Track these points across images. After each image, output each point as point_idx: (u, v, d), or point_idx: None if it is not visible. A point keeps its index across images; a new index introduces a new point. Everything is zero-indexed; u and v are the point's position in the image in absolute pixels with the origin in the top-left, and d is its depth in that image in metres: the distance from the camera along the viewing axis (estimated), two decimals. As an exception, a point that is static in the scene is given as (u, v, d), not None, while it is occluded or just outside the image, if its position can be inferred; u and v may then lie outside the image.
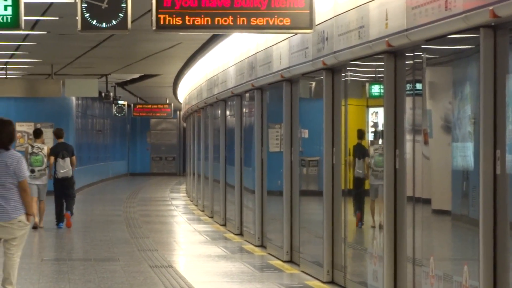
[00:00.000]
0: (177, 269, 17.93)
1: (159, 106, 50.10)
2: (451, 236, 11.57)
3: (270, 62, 20.10)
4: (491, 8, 9.30)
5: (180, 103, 44.80)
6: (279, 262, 18.38)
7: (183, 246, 23.45)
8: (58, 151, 24.78)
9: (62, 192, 24.47)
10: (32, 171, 22.81)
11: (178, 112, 51.81)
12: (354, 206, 15.10)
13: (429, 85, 11.90)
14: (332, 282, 15.26)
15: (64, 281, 16.30)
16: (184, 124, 48.50)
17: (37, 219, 23.55)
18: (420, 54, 12.07)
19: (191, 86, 37.21)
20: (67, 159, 24.30)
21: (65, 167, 24.09)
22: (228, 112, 27.13)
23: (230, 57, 25.12)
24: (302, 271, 16.86)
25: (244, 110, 24.49)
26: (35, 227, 23.32)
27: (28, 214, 12.57)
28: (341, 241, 15.80)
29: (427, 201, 12.03)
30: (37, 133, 25.42)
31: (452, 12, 10.42)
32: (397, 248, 13.17)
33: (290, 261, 17.93)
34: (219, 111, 28.60)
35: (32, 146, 24.45)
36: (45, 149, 24.19)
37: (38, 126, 31.06)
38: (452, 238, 11.50)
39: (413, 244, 12.54)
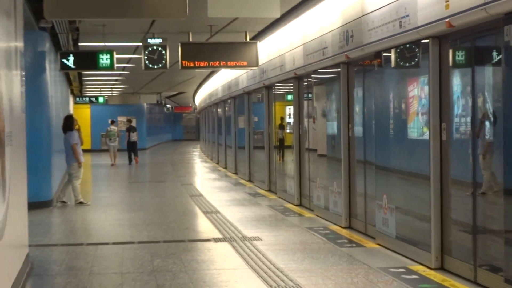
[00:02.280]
0: (195, 186, 26.62)
1: (186, 107, 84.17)
2: (326, 167, 17.05)
3: (238, 84, 28.18)
4: (346, 53, 14.03)
5: (196, 105, 63.95)
6: (262, 191, 24.12)
7: (198, 175, 34.39)
8: (129, 129, 39.15)
9: (131, 148, 38.65)
10: (110, 139, 37.74)
11: (195, 110, 74.33)
12: (278, 153, 22.46)
13: (315, 95, 17.69)
14: (300, 204, 19.47)
15: (140, 192, 24.88)
16: (198, 115, 70.87)
17: (113, 161, 38.76)
18: (310, 79, 17.75)
19: (201, 97, 51.64)
20: (134, 133, 38.02)
21: (133, 137, 37.76)
22: (220, 109, 38.71)
23: (219, 82, 35.48)
24: (279, 197, 21.65)
25: (225, 108, 35.29)
26: (112, 165, 38.42)
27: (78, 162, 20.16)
28: (275, 171, 22.71)
29: (315, 150, 17.97)
30: (112, 122, 40.76)
31: (325, 56, 15.58)
32: (301, 172, 19.35)
33: (269, 190, 23.79)
34: (214, 110, 41.94)
35: (110, 129, 39.77)
36: (116, 129, 38.80)
37: (130, 118, 45.67)
38: (327, 168, 16.96)
39: (309, 171, 18.39)
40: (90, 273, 11.15)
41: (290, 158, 21.01)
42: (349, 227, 15.21)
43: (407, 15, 11.22)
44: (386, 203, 12.61)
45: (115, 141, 39.38)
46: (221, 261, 12.09)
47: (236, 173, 31.65)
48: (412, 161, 12.07)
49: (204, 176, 31.69)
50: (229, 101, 33.15)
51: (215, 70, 30.83)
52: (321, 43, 16.08)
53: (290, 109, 21.46)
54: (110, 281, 10.62)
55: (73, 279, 10.74)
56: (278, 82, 21.51)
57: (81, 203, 20.03)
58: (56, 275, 11.12)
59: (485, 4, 8.86)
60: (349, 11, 14.09)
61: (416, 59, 11.70)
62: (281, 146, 22.81)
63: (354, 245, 13.23)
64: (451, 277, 10.30)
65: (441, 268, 10.81)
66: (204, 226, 16.08)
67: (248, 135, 28.06)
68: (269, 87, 23.33)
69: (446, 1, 9.88)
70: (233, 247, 13.16)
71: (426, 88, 11.17)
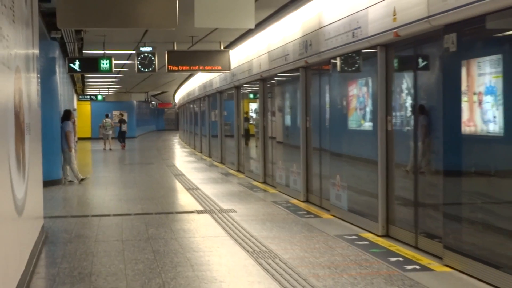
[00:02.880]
0: (177, 167, 25.62)
1: (168, 104, 79.61)
2: (283, 151, 16.87)
3: (212, 85, 27.53)
4: (305, 59, 13.70)
5: (176, 102, 62.76)
6: (233, 171, 23.67)
7: (179, 158, 32.99)
8: (121, 121, 39.21)
9: (121, 137, 38.42)
10: (105, 129, 37.11)
11: (175, 106, 72.35)
12: (244, 141, 22.06)
13: (276, 94, 17.42)
14: (265, 182, 19.16)
15: (132, 172, 24.21)
16: (177, 110, 69.90)
17: (108, 147, 38.26)
18: (273, 81, 17.46)
19: (180, 96, 50.28)
20: (124, 125, 37.95)
21: (123, 128, 37.54)
22: (196, 105, 37.89)
23: (196, 83, 34.47)
24: (247, 176, 21.30)
25: (201, 105, 34.52)
26: (110, 149, 37.81)
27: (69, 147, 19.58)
28: (243, 155, 22.36)
29: (275, 138, 17.85)
30: (107, 115, 39.48)
31: (287, 61, 15.13)
32: (265, 156, 19.03)
33: (238, 171, 23.12)
34: (192, 106, 40.93)
35: (105, 121, 39.15)
36: (110, 121, 37.97)
37: (121, 112, 45.20)
38: (284, 153, 16.76)
39: (272, 155, 18.18)
40: (96, 241, 10.67)
41: (253, 144, 20.97)
42: (307, 201, 14.89)
43: (359, 27, 10.85)
44: (339, 181, 12.32)
45: (109, 131, 39.05)
46: (204, 230, 11.58)
47: (210, 157, 31.11)
48: (354, 148, 11.99)
49: (184, 159, 31.00)
50: (204, 98, 32.55)
51: (193, 73, 30.10)
52: (283, 51, 15.66)
53: (253, 106, 21.66)
54: (113, 247, 10.15)
55: (81, 246, 10.27)
56: (246, 83, 21.16)
57: (82, 179, 19.79)
58: (67, 242, 10.63)
59: (428, 17, 8.53)
60: (308, 24, 13.74)
61: (357, 65, 11.52)
62: (247, 135, 22.48)
63: (312, 216, 12.79)
64: (396, 243, 10.01)
65: (387, 235, 10.53)
66: (188, 201, 15.51)
67: (220, 126, 27.61)
68: (238, 87, 22.92)
69: (394, 15, 9.51)
70: (213, 218, 12.73)
71: (364, 88, 11.11)
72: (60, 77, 21.20)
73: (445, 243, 8.58)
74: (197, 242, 10.41)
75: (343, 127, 12.27)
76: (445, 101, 8.61)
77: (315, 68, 14.19)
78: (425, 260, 8.84)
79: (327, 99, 13.24)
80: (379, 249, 9.62)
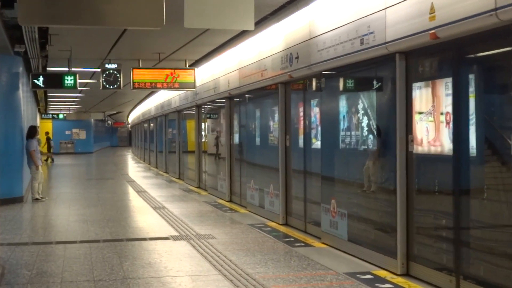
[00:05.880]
0: (137, 183, 22.16)
1: (121, 123, 71.81)
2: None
3: (170, 104, 24.38)
4: (289, 73, 10.67)
5: (129, 121, 59.24)
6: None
7: (137, 173, 28.52)
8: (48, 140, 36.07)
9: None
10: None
11: (128, 125, 67.63)
12: (212, 158, 18.54)
13: (246, 111, 14.35)
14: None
15: (94, 188, 19.18)
16: (130, 129, 68.19)
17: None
18: (244, 99, 14.27)
19: (134, 115, 46.48)
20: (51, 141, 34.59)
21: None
22: (152, 124, 34.20)
23: (152, 103, 30.98)
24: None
25: (156, 123, 31.25)
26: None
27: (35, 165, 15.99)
28: (202, 172, 19.34)
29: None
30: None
31: (264, 77, 12.12)
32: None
33: (199, 187, 19.67)
34: (146, 124, 37.45)
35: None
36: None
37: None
38: (256, 172, 13.70)
39: (240, 174, 15.17)
40: (62, 281, 7.50)
41: (218, 161, 18.07)
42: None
43: (371, 32, 7.91)
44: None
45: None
46: (188, 264, 8.49)
47: (166, 172, 27.87)
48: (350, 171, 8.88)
49: (142, 174, 27.47)
50: (161, 117, 29.09)
51: (154, 91, 26.46)
52: (259, 66, 12.69)
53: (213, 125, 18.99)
54: (84, 292, 6.98)
55: (45, 290, 7.07)
56: (209, 102, 18.10)
57: (37, 199, 16.30)
58: (27, 283, 7.43)
59: (496, 9, 5.66)
60: (293, 36, 10.77)
61: (366, 76, 9.01)
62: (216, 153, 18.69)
63: (302, 244, 9.76)
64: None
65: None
66: (158, 223, 12.38)
67: (178, 143, 24.43)
68: (199, 106, 19.85)
69: (432, 13, 6.63)
70: (193, 246, 9.71)
71: (371, 101, 8.62)
72: (24, 93, 17.85)
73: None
74: (187, 284, 7.29)
75: (335, 146, 9.42)
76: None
77: (297, 83, 11.26)
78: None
79: (316, 115, 10.33)
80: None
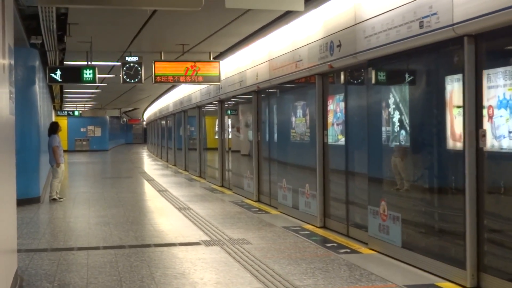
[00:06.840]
0: (157, 181, 21.39)
1: (136, 120, 74.63)
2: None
3: (190, 100, 23.59)
4: (329, 63, 10.03)
5: (144, 119, 59.61)
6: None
7: (155, 171, 27.77)
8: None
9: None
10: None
11: (143, 122, 68.28)
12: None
13: (276, 105, 13.45)
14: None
15: (113, 187, 19.45)
16: (145, 126, 67.90)
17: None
18: (275, 92, 13.37)
19: (150, 112, 46.18)
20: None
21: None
22: (169, 120, 33.12)
23: (170, 99, 30.03)
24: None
25: (169, 121, 31.84)
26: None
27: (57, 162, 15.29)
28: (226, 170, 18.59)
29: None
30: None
31: (299, 68, 11.17)
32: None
33: (222, 186, 18.80)
34: (164, 121, 36.41)
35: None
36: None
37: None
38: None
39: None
40: (88, 296, 6.61)
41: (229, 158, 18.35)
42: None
43: (433, 13, 6.97)
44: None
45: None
46: (228, 276, 7.55)
47: (186, 170, 26.97)
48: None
49: (161, 173, 26.54)
50: (181, 113, 28.06)
51: (175, 85, 25.51)
52: (293, 56, 11.78)
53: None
54: (114, 311, 6.12)
55: (69, 307, 6.22)
56: (233, 96, 17.19)
57: (54, 199, 15.46)
58: (49, 299, 6.54)
59: None
60: (334, 22, 9.84)
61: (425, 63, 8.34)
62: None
63: (349, 251, 8.81)
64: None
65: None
66: (185, 225, 11.53)
67: (199, 140, 23.48)
68: (222, 101, 18.82)
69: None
70: (228, 253, 8.80)
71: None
72: (40, 89, 17.08)
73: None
74: (227, 300, 6.42)
75: (384, 144, 8.46)
76: None
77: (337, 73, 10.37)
78: None
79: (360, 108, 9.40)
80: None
